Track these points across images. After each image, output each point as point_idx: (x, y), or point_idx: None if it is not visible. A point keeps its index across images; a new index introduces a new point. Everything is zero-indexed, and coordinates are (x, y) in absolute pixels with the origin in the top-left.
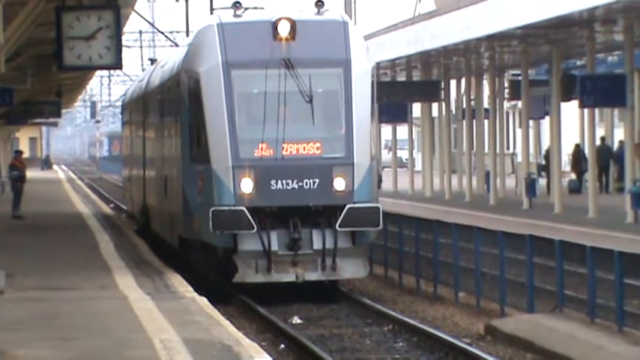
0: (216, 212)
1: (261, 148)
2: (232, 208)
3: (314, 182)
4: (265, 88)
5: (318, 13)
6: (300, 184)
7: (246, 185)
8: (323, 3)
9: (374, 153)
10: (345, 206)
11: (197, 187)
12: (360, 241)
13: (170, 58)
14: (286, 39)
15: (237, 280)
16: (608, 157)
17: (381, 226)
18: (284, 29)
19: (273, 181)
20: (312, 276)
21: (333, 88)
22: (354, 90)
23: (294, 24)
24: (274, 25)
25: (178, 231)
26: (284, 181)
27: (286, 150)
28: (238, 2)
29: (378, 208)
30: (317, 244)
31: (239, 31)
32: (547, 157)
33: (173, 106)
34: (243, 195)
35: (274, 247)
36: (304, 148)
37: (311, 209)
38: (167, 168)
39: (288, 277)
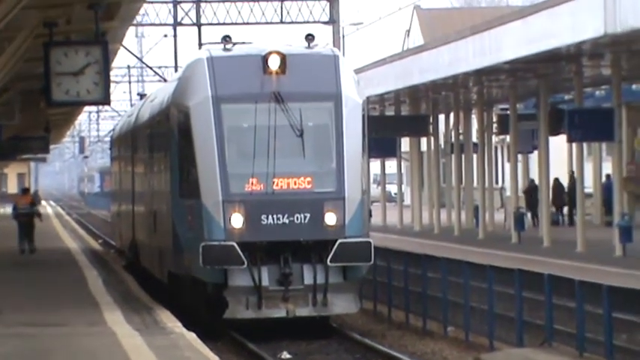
0: (207, 247)
1: (252, 183)
2: (222, 243)
3: (305, 217)
4: (255, 122)
5: (309, 46)
6: (291, 218)
7: (237, 220)
8: (313, 37)
9: (365, 187)
10: (336, 241)
11: (187, 222)
12: (352, 276)
13: (159, 93)
14: (276, 73)
15: (227, 317)
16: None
17: (372, 261)
18: (274, 63)
19: (263, 216)
20: (303, 311)
21: (323, 122)
22: (345, 124)
23: (284, 58)
24: (264, 59)
25: (168, 266)
26: (275, 216)
27: (277, 184)
28: (228, 36)
29: (370, 242)
30: (308, 280)
31: (229, 64)
32: (526, 192)
33: (162, 140)
34: (234, 230)
35: (265, 282)
36: (295, 182)
37: (302, 244)
38: (156, 203)
39: (279, 312)
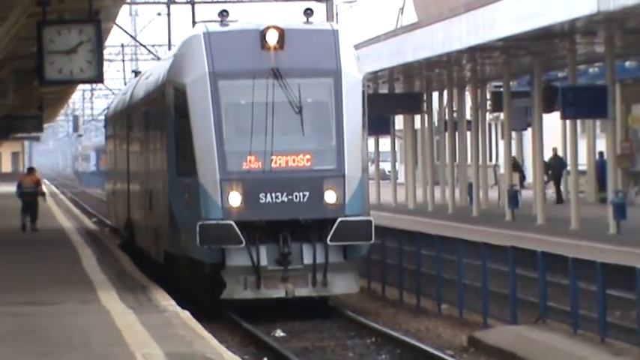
0: (204, 227)
1: (250, 161)
2: (220, 222)
3: (304, 195)
4: (253, 99)
5: (307, 21)
6: (290, 197)
7: (235, 199)
8: (312, 11)
9: (365, 165)
10: (336, 220)
11: (184, 201)
12: (352, 256)
13: (155, 70)
14: (275, 48)
15: (225, 297)
16: (561, 168)
17: (373, 240)
18: (272, 38)
19: (262, 195)
20: (303, 292)
21: (323, 98)
22: (345, 100)
23: (282, 33)
24: (262, 34)
25: (164, 246)
26: (273, 195)
27: (275, 162)
28: (225, 11)
29: (370, 221)
30: (307, 259)
31: (226, 40)
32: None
33: (158, 118)
34: (232, 209)
35: (263, 262)
36: (294, 160)
37: (301, 223)
38: (152, 182)
39: (278, 292)
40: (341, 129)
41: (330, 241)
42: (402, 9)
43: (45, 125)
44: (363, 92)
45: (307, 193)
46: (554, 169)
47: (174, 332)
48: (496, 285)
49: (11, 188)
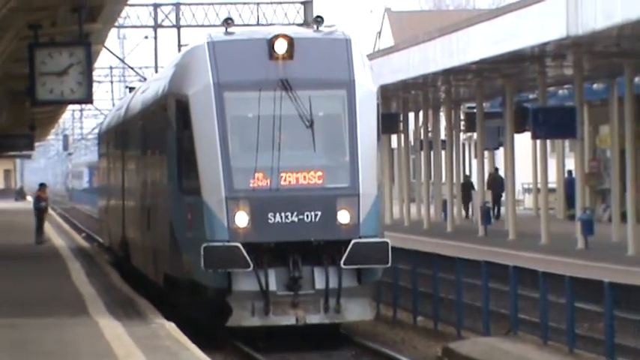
0: (209, 249)
1: (257, 178)
2: (226, 244)
3: (315, 215)
4: (261, 112)
5: (317, 30)
6: (301, 217)
7: (241, 219)
8: (322, 19)
9: (379, 182)
10: (350, 241)
11: (186, 221)
12: (366, 280)
13: (152, 83)
14: (283, 58)
15: (231, 324)
16: (500, 187)
17: (389, 264)
18: (281, 47)
19: (270, 214)
20: (314, 318)
21: (335, 111)
22: (359, 113)
23: (291, 41)
24: (270, 43)
25: (164, 268)
26: (282, 214)
27: (285, 180)
28: (230, 19)
29: (387, 243)
30: (319, 284)
31: (232, 49)
32: (463, 185)
33: (158, 132)
34: (238, 230)
35: (272, 286)
36: (304, 177)
37: (312, 245)
38: (151, 200)
39: (288, 319)
40: (355, 144)
41: (344, 264)
42: (380, 33)
43: (36, 144)
44: (378, 105)
45: (319, 213)
46: (494, 187)
47: (162, 343)
48: (470, 298)
49: (3, 204)
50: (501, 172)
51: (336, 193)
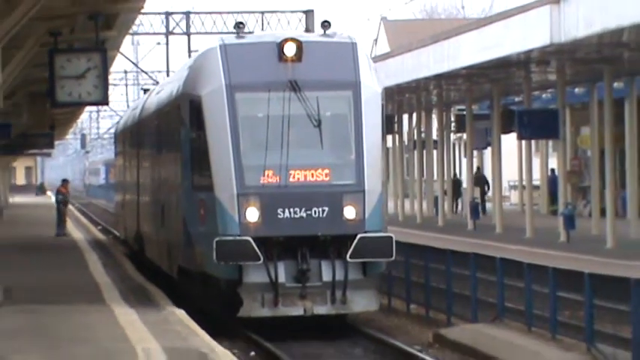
0: (221, 242)
1: (267, 175)
2: (237, 238)
3: (323, 211)
4: (270, 112)
5: (325, 33)
6: (309, 212)
7: (252, 214)
8: (329, 23)
9: (384, 179)
10: (355, 236)
11: (199, 216)
12: (372, 272)
13: (167, 84)
14: (292, 60)
15: (242, 315)
16: (484, 184)
17: (394, 257)
18: (290, 50)
19: (279, 210)
20: (322, 309)
21: (342, 111)
22: (364, 113)
23: (300, 45)
24: (280, 46)
25: (178, 261)
26: (291, 210)
27: (293, 177)
28: (241, 23)
29: (391, 237)
30: (326, 276)
31: (243, 52)
32: (453, 182)
33: (172, 131)
34: (249, 224)
35: (281, 279)
36: (312, 174)
37: (320, 239)
38: (165, 196)
39: (296, 310)
40: (360, 143)
41: (350, 257)
42: (376, 40)
43: (55, 142)
44: (382, 105)
45: (326, 209)
46: (479, 184)
47: (171, 328)
48: (459, 287)
49: (25, 199)
50: (485, 171)
51: (343, 190)
